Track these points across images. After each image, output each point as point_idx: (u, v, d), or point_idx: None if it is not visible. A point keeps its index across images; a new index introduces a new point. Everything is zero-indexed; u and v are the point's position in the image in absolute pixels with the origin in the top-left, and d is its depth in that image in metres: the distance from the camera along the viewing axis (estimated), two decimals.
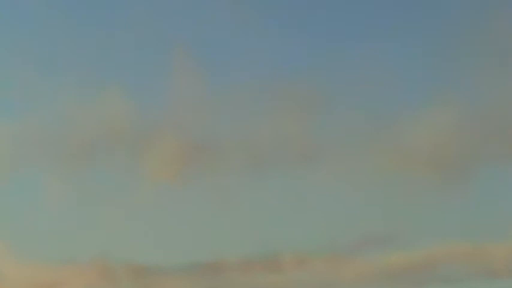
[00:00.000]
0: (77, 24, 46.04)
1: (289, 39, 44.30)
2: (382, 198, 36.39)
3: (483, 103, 39.29)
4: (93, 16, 45.84)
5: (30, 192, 37.80)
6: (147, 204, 36.69)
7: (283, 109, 40.58)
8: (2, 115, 39.14)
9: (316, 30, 46.74)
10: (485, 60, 40.14)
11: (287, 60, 44.37)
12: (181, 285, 35.60)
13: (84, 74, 41.30)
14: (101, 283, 35.13)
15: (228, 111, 40.27)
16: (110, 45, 42.41)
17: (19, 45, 42.43)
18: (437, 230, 35.30)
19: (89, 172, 37.68)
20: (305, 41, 45.56)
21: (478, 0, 44.48)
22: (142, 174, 37.54)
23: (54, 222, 36.44)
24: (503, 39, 40.70)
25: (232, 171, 38.85)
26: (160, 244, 36.45)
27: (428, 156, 37.15)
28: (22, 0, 47.10)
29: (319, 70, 41.31)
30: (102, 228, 35.71)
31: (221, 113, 40.45)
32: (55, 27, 44.07)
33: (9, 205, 37.34)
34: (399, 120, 38.92)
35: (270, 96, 40.80)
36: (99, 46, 43.09)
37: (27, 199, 37.45)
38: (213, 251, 35.99)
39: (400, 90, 42.99)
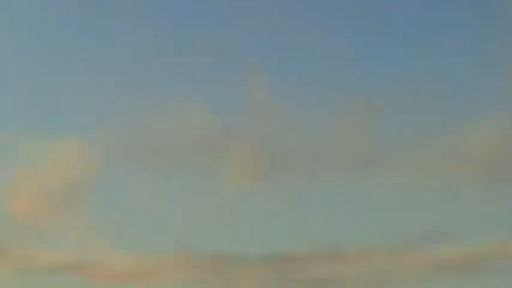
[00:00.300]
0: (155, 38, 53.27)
1: (351, 47, 49.62)
2: (439, 198, 41.25)
3: None
4: (172, 30, 51.91)
5: (124, 193, 43.62)
6: (227, 201, 42.06)
7: (345, 116, 45.39)
8: (90, 125, 45.32)
9: (379, 41, 51.85)
10: None
11: (351, 68, 49.59)
12: (258, 273, 40.61)
13: (164, 86, 47.03)
14: (189, 271, 40.41)
15: (297, 118, 45.59)
16: (187, 55, 48.08)
17: (109, 60, 48.61)
18: (491, 227, 40.14)
19: (174, 175, 43.43)
20: (369, 50, 50.88)
21: None
22: (223, 175, 43.08)
23: (146, 219, 42.09)
24: None
25: (300, 172, 43.93)
26: (239, 236, 41.76)
27: (481, 160, 41.88)
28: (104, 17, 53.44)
29: (381, 80, 46.64)
30: (189, 223, 41.09)
31: (290, 119, 46.03)
32: (134, 42, 50.20)
33: (107, 204, 43.13)
34: (454, 126, 43.98)
35: (334, 104, 46.00)
36: (176, 56, 48.80)
37: (123, 198, 43.23)
38: (285, 243, 41.09)
39: (453, 97, 47.66)
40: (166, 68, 49.42)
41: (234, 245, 40.90)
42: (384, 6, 54.36)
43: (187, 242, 40.88)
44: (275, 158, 44.79)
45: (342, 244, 42.03)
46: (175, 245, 41.36)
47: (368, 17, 53.50)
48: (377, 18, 55.15)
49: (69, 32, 52.67)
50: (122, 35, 51.67)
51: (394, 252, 40.72)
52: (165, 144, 45.12)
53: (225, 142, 45.00)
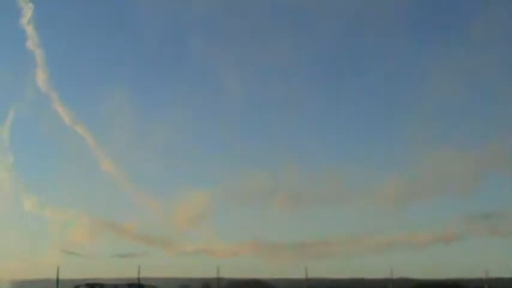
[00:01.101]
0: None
1: None
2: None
3: None
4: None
5: (227, 216, 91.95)
6: (277, 218, 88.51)
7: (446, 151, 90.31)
8: (211, 183, 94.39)
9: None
10: None
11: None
12: (290, 253, 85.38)
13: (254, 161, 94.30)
14: (257, 251, 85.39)
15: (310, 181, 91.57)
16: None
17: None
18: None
19: (255, 206, 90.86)
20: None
21: None
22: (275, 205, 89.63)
23: (237, 227, 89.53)
24: None
25: (310, 203, 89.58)
26: (281, 233, 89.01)
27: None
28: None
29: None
30: (257, 227, 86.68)
31: (306, 180, 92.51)
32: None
33: (219, 222, 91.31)
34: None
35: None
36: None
37: (226, 218, 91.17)
38: (303, 236, 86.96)
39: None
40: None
41: (276, 236, 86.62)
42: None
43: (256, 235, 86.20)
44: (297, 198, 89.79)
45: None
46: (250, 236, 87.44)
47: None
48: None
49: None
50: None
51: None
52: (251, 191, 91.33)
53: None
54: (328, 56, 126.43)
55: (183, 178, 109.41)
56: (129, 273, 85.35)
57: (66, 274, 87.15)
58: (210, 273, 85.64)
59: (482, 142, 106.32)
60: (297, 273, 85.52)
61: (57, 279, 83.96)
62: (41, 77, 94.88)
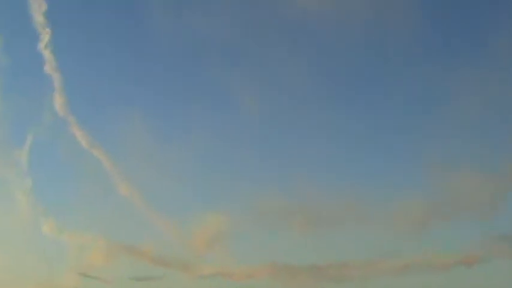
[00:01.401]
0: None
1: None
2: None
3: None
4: None
5: (242, 237, 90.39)
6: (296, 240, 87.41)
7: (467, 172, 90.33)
8: (228, 205, 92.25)
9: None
10: None
11: None
12: (306, 275, 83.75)
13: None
14: (273, 274, 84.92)
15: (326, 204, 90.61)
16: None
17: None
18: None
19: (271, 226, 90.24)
20: None
21: None
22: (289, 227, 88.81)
23: (253, 249, 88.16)
24: None
25: (324, 224, 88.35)
26: (296, 256, 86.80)
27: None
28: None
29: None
30: (274, 251, 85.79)
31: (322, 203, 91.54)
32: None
33: (235, 244, 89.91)
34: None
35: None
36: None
37: (242, 240, 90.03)
38: (319, 259, 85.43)
39: None
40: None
41: (293, 259, 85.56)
42: None
43: (273, 257, 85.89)
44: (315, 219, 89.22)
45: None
46: (267, 259, 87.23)
47: None
48: None
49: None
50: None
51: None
52: (268, 213, 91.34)
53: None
54: (347, 75, 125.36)
55: (200, 199, 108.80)
56: None
57: None
58: None
59: (503, 163, 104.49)
60: None
61: None
62: (58, 101, 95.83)
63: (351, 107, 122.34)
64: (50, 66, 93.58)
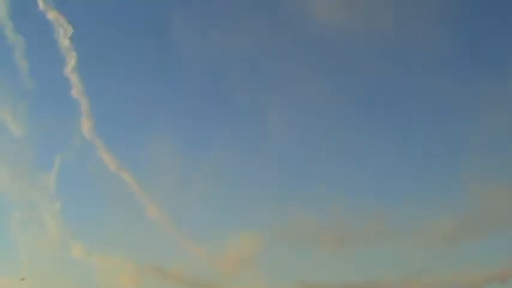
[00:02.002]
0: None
1: None
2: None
3: None
4: None
5: (272, 257, 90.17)
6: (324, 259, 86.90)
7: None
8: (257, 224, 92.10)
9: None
10: None
11: None
12: None
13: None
14: None
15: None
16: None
17: None
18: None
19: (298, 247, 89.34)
20: None
21: None
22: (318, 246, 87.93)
23: (282, 271, 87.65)
24: None
25: (354, 243, 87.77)
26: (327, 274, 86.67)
27: None
28: None
29: None
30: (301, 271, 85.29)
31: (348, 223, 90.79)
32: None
33: (266, 264, 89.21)
34: None
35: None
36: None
37: (271, 261, 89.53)
38: (350, 276, 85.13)
39: None
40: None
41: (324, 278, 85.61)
42: None
43: (303, 277, 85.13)
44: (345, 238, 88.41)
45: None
46: (297, 278, 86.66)
47: None
48: None
49: None
50: None
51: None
52: (298, 232, 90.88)
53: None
54: (375, 93, 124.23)
55: (229, 220, 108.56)
56: None
57: None
58: None
59: None
60: None
61: None
62: (85, 125, 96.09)
63: (378, 126, 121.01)
64: (76, 91, 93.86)
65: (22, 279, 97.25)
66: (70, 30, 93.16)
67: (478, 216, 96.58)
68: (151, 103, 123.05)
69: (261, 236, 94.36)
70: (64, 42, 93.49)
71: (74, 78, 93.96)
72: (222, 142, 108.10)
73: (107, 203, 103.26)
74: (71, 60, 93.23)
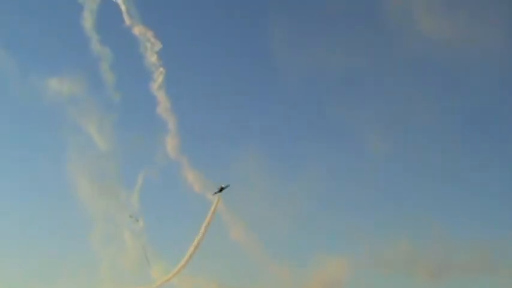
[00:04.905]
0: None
1: None
2: None
3: None
4: None
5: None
6: None
7: None
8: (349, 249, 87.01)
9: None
10: None
11: None
12: None
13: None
14: None
15: None
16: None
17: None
18: None
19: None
20: None
21: None
22: None
23: None
24: None
25: None
26: None
27: None
28: None
29: None
30: None
31: None
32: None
33: None
34: None
35: None
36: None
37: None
38: None
39: None
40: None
41: None
42: None
43: None
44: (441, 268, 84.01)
45: None
46: None
47: None
48: None
49: None
50: None
51: None
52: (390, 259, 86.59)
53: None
54: (481, 115, 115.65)
55: (318, 242, 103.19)
56: None
57: None
58: None
59: None
60: None
61: None
62: (170, 143, 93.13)
63: (487, 153, 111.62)
64: (163, 108, 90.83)
65: None
66: (158, 46, 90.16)
67: None
68: (241, 119, 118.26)
69: (352, 259, 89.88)
70: (151, 57, 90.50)
71: (161, 95, 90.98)
72: (315, 161, 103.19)
73: (190, 222, 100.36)
74: (159, 77, 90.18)
